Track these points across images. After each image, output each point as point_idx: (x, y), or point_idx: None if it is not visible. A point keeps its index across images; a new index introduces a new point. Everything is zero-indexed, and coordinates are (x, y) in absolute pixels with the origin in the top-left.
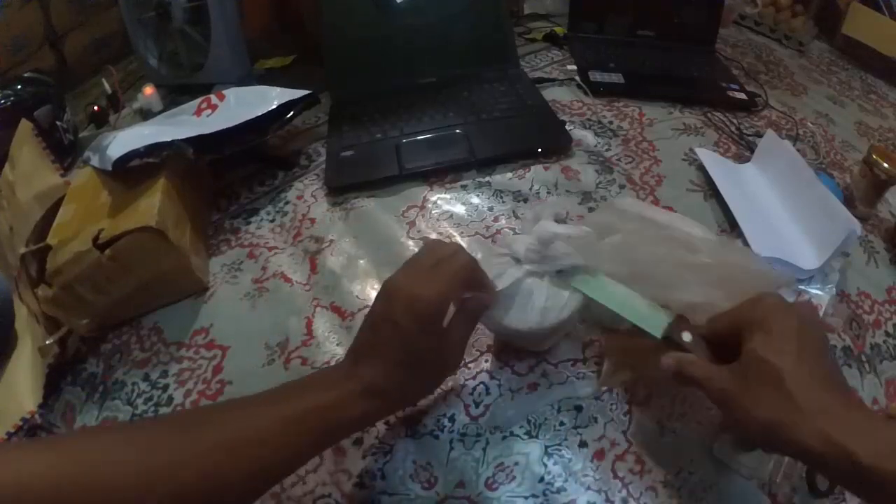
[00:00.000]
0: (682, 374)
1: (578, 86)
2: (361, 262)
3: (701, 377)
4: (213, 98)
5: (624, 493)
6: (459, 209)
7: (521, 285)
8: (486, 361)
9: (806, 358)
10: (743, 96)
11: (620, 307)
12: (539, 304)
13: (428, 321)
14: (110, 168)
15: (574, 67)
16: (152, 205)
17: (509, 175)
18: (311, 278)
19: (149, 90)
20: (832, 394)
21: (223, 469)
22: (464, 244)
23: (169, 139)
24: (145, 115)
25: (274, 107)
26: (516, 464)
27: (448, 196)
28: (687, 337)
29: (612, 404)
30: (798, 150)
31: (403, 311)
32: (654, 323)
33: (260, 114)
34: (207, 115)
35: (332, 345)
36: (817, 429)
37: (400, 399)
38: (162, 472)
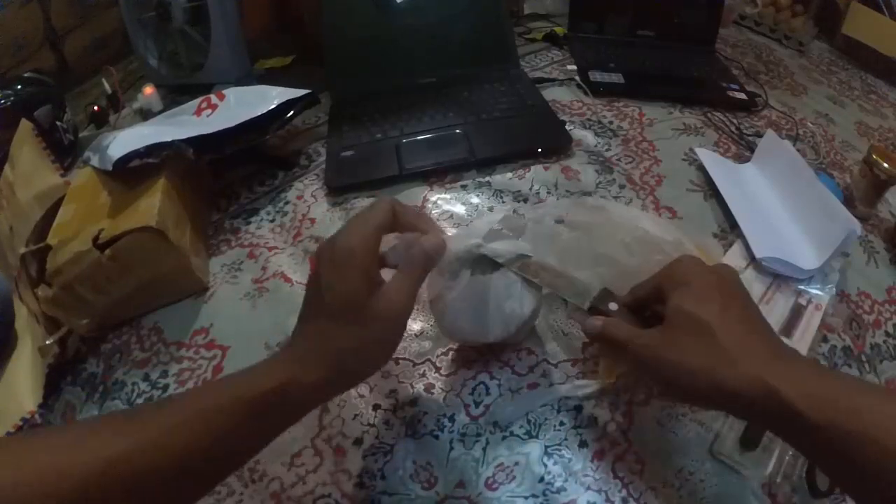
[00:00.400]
0: (606, 336)
1: (578, 86)
2: None
3: (625, 337)
4: (213, 98)
5: (624, 493)
6: (459, 209)
7: (473, 288)
8: (487, 361)
9: (730, 307)
10: (743, 96)
11: (551, 286)
12: (499, 307)
13: (344, 264)
14: (110, 168)
15: (574, 67)
16: (152, 205)
17: (509, 175)
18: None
19: (149, 90)
20: (760, 338)
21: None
22: None
23: (169, 139)
24: (145, 115)
25: (274, 106)
26: (516, 464)
27: (448, 196)
28: (613, 306)
29: (612, 404)
30: (798, 150)
31: (323, 263)
32: (582, 296)
33: (260, 113)
34: (207, 115)
35: None
36: (746, 372)
37: (334, 359)
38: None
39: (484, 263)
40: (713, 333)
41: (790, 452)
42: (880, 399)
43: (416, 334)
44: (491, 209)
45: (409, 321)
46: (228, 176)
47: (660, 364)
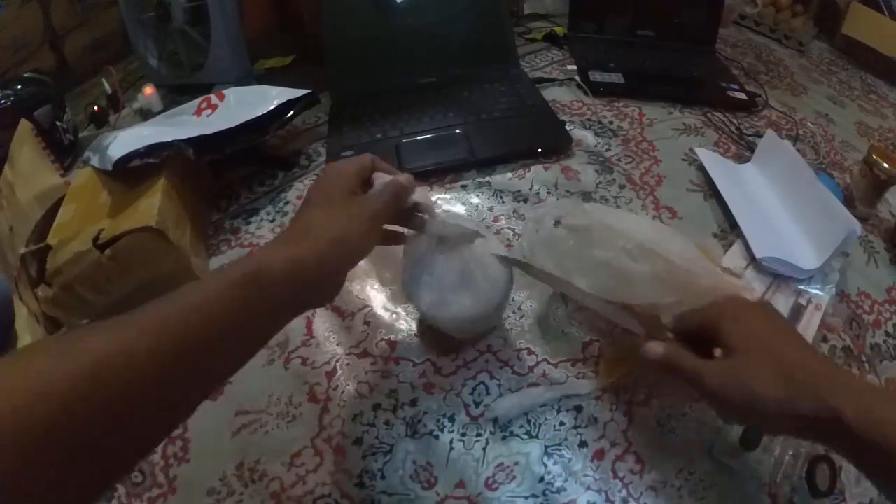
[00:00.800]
0: (671, 364)
1: (578, 86)
2: (361, 262)
3: (691, 366)
4: (213, 98)
5: (624, 493)
6: (459, 209)
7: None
8: (486, 361)
9: (791, 336)
10: (743, 96)
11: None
12: (485, 274)
13: (335, 176)
14: (110, 168)
15: (574, 67)
16: (152, 205)
17: (509, 175)
18: None
19: (149, 90)
20: (822, 364)
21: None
22: None
23: (169, 139)
24: (145, 115)
25: (274, 107)
26: (516, 464)
27: (448, 196)
28: (668, 333)
29: (612, 404)
30: (798, 150)
31: (319, 177)
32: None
33: (260, 114)
34: (207, 115)
35: (333, 345)
36: (822, 399)
37: (318, 234)
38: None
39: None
40: (789, 362)
41: (790, 452)
42: None
43: (416, 334)
44: (491, 209)
45: (410, 321)
46: (228, 176)
47: (732, 393)
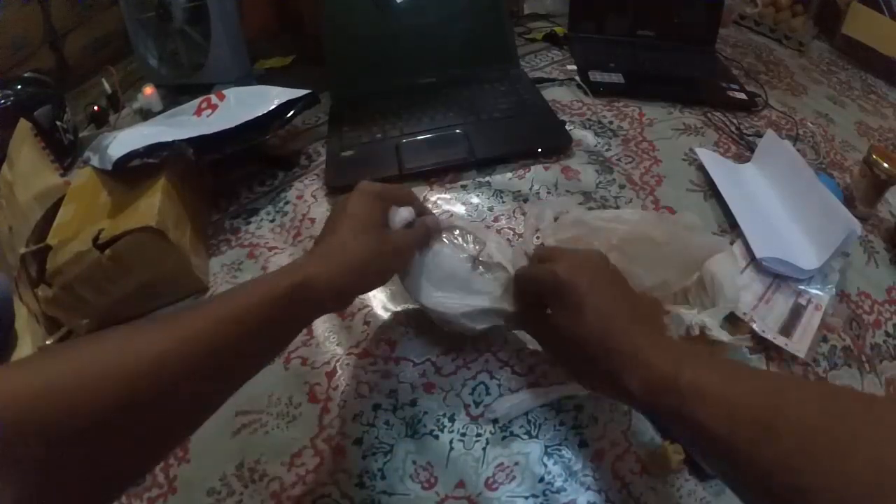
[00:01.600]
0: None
1: (578, 86)
2: None
3: (529, 269)
4: (213, 98)
5: (624, 493)
6: (459, 209)
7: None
8: (486, 361)
9: (601, 280)
10: (743, 96)
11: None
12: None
13: (368, 197)
14: (110, 168)
15: (574, 67)
16: (152, 205)
17: (509, 175)
18: None
19: (149, 90)
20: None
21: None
22: None
23: (169, 139)
24: (145, 115)
25: (274, 106)
26: (516, 464)
27: (448, 196)
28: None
29: (612, 404)
30: (798, 150)
31: (352, 196)
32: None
33: (260, 114)
34: (207, 115)
35: (333, 345)
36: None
37: (350, 261)
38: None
39: None
40: (615, 288)
41: None
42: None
43: (415, 334)
44: (491, 209)
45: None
46: (228, 176)
47: (565, 288)
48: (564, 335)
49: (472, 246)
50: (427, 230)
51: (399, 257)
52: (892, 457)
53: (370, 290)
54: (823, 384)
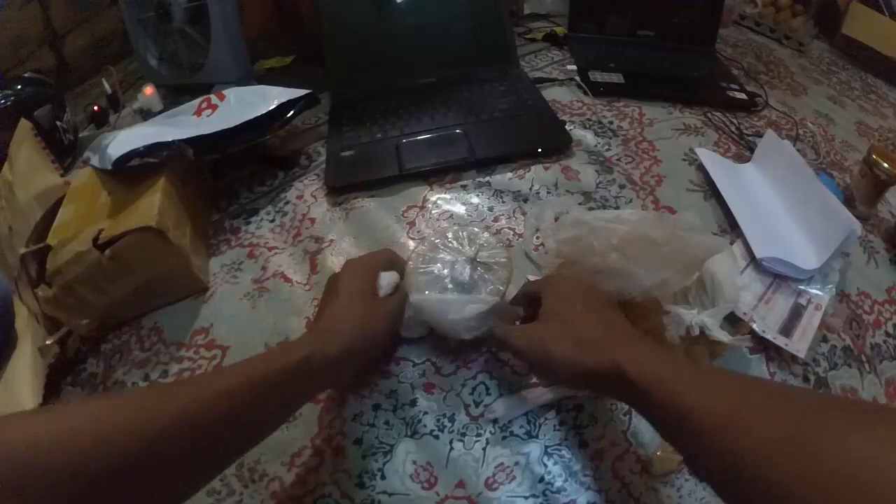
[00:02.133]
0: (498, 336)
1: (578, 86)
2: None
3: (503, 333)
4: (213, 98)
5: (624, 493)
6: (459, 209)
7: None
8: (487, 361)
9: (590, 307)
10: (743, 96)
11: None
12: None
13: (358, 272)
14: (110, 168)
15: (574, 67)
16: (152, 205)
17: (509, 175)
18: (311, 278)
19: (149, 90)
20: (614, 329)
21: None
22: None
23: (169, 139)
24: (145, 115)
25: (274, 107)
26: (516, 464)
27: (448, 196)
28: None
29: (611, 404)
30: (798, 150)
31: (344, 271)
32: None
33: (260, 114)
34: (207, 115)
35: None
36: (602, 356)
37: (348, 333)
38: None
39: None
40: (580, 326)
41: None
42: (695, 379)
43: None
44: (491, 209)
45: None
46: (228, 176)
47: (533, 352)
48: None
49: (468, 248)
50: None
51: (391, 323)
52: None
53: (367, 358)
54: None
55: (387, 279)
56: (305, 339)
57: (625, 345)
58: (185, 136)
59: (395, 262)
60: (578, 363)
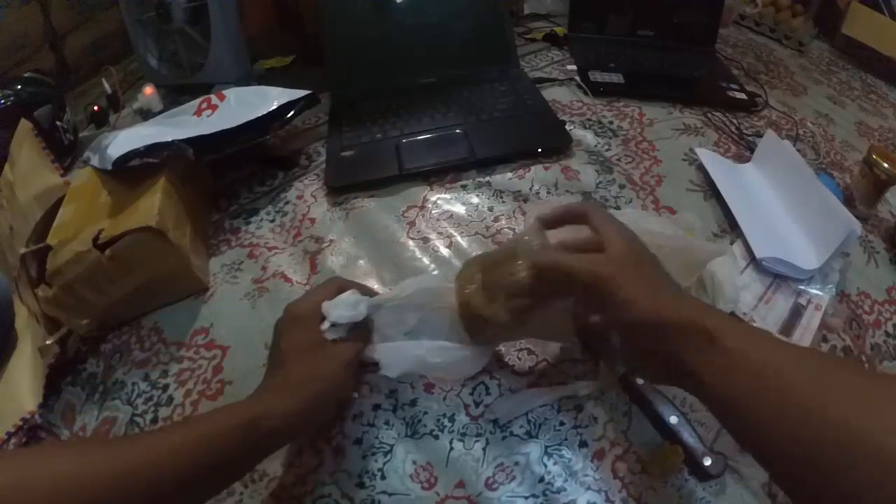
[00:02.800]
0: (549, 263)
1: (578, 86)
2: (361, 261)
3: (574, 262)
4: (213, 98)
5: (624, 493)
6: (459, 209)
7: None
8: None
9: (658, 262)
10: (743, 96)
11: None
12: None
13: (301, 319)
14: (110, 168)
15: (574, 67)
16: (152, 205)
17: (509, 175)
18: (311, 278)
19: (149, 90)
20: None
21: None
22: (463, 244)
23: (169, 139)
24: (145, 115)
25: (274, 107)
26: (516, 464)
27: (448, 196)
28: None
29: (611, 404)
30: (798, 150)
31: (286, 320)
32: None
33: (260, 114)
34: (207, 116)
35: None
36: (678, 301)
37: (298, 388)
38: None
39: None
40: (652, 274)
41: None
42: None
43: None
44: (491, 209)
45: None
46: (228, 176)
47: (599, 281)
48: (615, 326)
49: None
50: (366, 332)
51: (346, 371)
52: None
53: (326, 414)
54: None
55: (334, 316)
56: (253, 398)
57: (700, 305)
58: (185, 136)
59: (345, 288)
60: (654, 308)
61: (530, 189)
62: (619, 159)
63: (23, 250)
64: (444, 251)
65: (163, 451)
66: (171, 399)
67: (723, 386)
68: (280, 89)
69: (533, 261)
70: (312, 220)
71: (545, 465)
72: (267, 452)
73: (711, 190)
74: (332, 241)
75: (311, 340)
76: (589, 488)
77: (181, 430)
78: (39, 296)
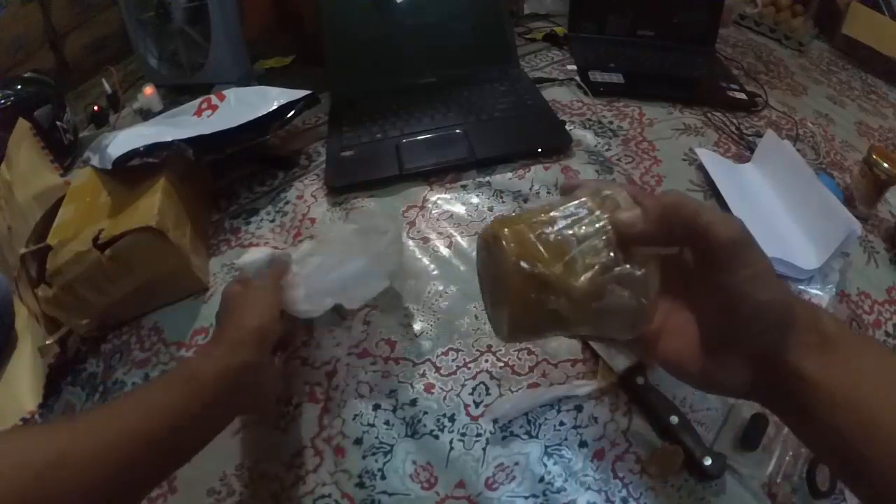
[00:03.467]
0: (670, 209)
1: (578, 86)
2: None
3: (703, 208)
4: (214, 98)
5: (624, 493)
6: (459, 209)
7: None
8: (486, 361)
9: None
10: (743, 96)
11: None
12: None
13: (231, 292)
14: (110, 167)
15: (574, 67)
16: (152, 205)
17: (509, 175)
18: None
19: (149, 90)
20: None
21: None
22: (463, 244)
23: (169, 139)
24: (145, 115)
25: (274, 107)
26: (516, 464)
27: (448, 196)
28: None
29: (612, 404)
30: (798, 150)
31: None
32: None
33: (260, 114)
34: (207, 116)
35: (332, 345)
36: (801, 299)
37: (228, 340)
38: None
39: None
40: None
41: (790, 453)
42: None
43: (416, 334)
44: (491, 209)
45: (410, 321)
46: (228, 176)
47: (749, 254)
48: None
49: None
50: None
51: (269, 310)
52: None
53: (259, 352)
54: None
55: (239, 263)
56: (195, 357)
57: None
58: (185, 136)
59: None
60: (788, 294)
61: (530, 189)
62: (619, 159)
63: (23, 250)
64: (444, 251)
65: (139, 415)
66: None
67: (844, 390)
68: (280, 89)
69: (656, 198)
70: (312, 220)
71: (545, 465)
72: (209, 410)
73: (711, 190)
74: None
75: (239, 302)
76: (589, 488)
77: (131, 400)
78: (39, 296)
